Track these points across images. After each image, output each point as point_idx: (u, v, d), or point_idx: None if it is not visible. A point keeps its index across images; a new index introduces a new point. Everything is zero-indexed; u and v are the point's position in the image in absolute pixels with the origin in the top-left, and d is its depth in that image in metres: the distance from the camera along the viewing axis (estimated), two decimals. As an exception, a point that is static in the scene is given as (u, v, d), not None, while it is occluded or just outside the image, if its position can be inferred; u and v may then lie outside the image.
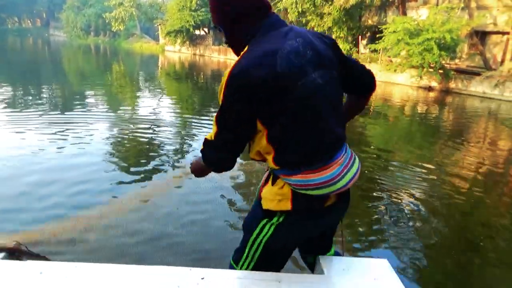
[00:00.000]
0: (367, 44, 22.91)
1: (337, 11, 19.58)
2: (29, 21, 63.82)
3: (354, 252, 3.33)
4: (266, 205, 1.31)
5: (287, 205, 1.27)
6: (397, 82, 18.41)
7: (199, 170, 1.50)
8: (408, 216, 4.22)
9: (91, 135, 6.34)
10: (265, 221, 1.33)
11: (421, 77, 16.60)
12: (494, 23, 17.89)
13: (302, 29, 1.27)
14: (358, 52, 21.88)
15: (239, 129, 1.21)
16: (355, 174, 1.32)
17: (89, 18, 45.04)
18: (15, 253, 1.59)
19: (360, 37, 22.25)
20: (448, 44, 15.34)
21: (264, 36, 1.19)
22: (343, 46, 20.46)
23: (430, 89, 17.08)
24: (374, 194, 4.79)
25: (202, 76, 19.60)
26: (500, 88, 15.43)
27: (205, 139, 1.29)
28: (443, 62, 16.10)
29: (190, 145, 6.29)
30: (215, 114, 1.25)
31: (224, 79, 1.16)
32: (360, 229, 3.83)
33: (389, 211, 4.29)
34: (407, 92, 16.67)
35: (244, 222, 1.44)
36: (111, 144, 5.91)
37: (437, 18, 15.62)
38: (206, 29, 32.65)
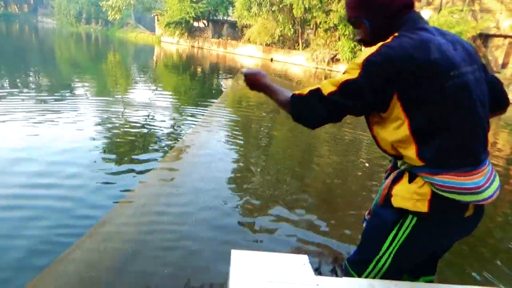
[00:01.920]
0: (368, 43, 23.19)
1: (344, 8, 19.60)
2: (15, 6, 61.73)
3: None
4: (399, 203, 1.22)
5: (423, 207, 1.18)
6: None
7: (262, 87, 1.45)
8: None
9: (82, 122, 6.04)
10: (397, 227, 1.24)
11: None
12: (497, 26, 18.26)
13: (443, 30, 1.29)
14: (361, 50, 22.00)
15: (358, 103, 1.16)
16: (497, 189, 1.24)
17: (82, 6, 43.94)
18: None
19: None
20: None
21: (411, 30, 1.18)
22: (348, 44, 20.55)
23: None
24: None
25: (201, 68, 19.33)
26: (504, 90, 15.79)
27: (318, 88, 1.21)
28: None
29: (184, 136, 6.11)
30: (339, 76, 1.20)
31: (366, 53, 1.14)
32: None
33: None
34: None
35: (366, 232, 1.37)
36: (105, 135, 5.60)
37: (446, 20, 15.86)
38: (205, 21, 32.27)
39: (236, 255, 1.45)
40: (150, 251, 2.55)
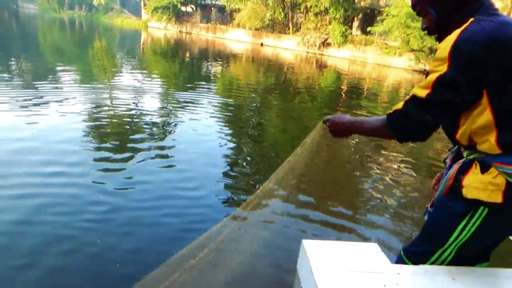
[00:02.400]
0: (358, 26, 23.02)
1: (335, -8, 19.41)
2: (-7, -9, 59.36)
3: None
4: (472, 194, 1.17)
5: (498, 197, 1.14)
6: (393, 65, 18.64)
7: (348, 126, 1.40)
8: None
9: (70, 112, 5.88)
10: (467, 218, 1.20)
11: (419, 61, 16.88)
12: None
13: None
14: (351, 34, 21.85)
15: (458, 96, 1.11)
16: None
17: (65, -10, 42.59)
18: None
19: (352, 19, 22.24)
20: None
21: (487, 14, 1.15)
22: (339, 28, 20.37)
23: (425, 72, 17.37)
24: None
25: (189, 54, 18.97)
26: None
27: (414, 95, 1.16)
28: None
29: (175, 125, 6.00)
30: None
31: (448, 44, 1.09)
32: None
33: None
34: (403, 75, 16.94)
35: (431, 223, 1.32)
36: (91, 124, 5.49)
37: None
38: (193, 6, 31.60)
39: (308, 245, 1.40)
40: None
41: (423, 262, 1.31)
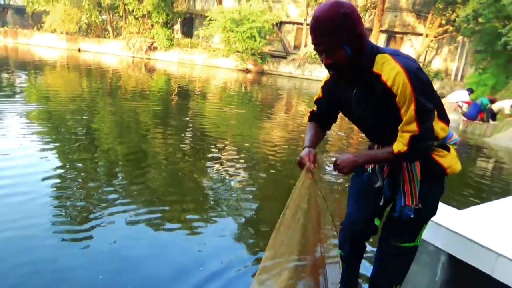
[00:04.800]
0: (178, 30, 23.41)
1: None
2: None
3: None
4: (456, 169, 1.51)
5: (459, 165, 1.53)
6: (220, 66, 19.69)
7: (362, 162, 1.53)
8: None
9: None
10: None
11: (244, 61, 18.45)
12: (287, 14, 21.37)
13: None
14: (176, 37, 22.00)
15: (433, 112, 1.40)
16: None
17: None
18: None
19: (173, 23, 22.42)
20: (265, 32, 17.77)
21: (378, 48, 1.42)
22: (164, 32, 20.20)
23: (248, 71, 19.11)
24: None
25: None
26: (301, 68, 18.87)
27: (411, 135, 1.36)
28: (262, 48, 18.48)
29: None
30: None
31: (400, 81, 1.31)
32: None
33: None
34: (230, 75, 18.16)
35: (426, 212, 1.54)
36: None
37: (253, 8, 17.81)
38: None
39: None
40: None
41: (419, 235, 1.57)
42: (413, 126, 1.34)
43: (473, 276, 1.67)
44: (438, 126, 1.42)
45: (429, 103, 1.35)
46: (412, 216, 1.49)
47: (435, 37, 17.91)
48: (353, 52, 1.34)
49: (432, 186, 1.49)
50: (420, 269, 1.81)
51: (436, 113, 1.41)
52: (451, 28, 17.00)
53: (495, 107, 9.36)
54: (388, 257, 1.61)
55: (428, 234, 1.73)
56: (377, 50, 1.39)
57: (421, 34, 18.59)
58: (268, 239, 1.43)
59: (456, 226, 1.71)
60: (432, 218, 1.62)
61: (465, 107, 10.14)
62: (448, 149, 1.49)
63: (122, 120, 7.50)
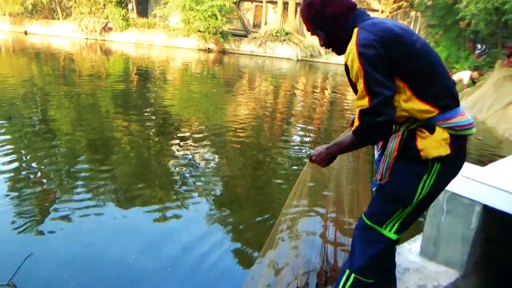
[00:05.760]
0: (132, 10, 22.35)
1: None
2: None
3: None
4: (433, 153, 1.35)
5: (447, 149, 1.35)
6: (179, 46, 19.15)
7: (334, 152, 1.54)
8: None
9: None
10: (426, 175, 1.39)
11: (206, 41, 18.05)
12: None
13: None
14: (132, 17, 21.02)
15: (387, 87, 1.32)
16: None
17: None
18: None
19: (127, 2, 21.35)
20: (226, 10, 17.41)
21: (363, 22, 1.39)
22: (119, 11, 19.22)
23: (209, 51, 18.73)
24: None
25: None
26: (263, 47, 18.78)
27: (360, 109, 1.33)
28: (223, 26, 18.13)
29: None
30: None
31: (353, 56, 1.31)
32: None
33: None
34: (191, 55, 17.73)
35: (391, 188, 1.44)
36: None
37: None
38: None
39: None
40: None
41: (386, 220, 1.46)
42: (365, 101, 1.32)
43: (504, 221, 1.89)
44: (414, 105, 1.34)
45: (382, 76, 1.29)
46: (373, 189, 1.52)
47: (390, 12, 18.39)
48: (327, 33, 1.47)
49: (400, 166, 1.41)
50: (455, 219, 1.98)
51: (410, 92, 1.34)
52: (405, 3, 17.51)
53: (455, 77, 9.78)
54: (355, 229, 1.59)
55: (460, 188, 1.91)
56: (354, 25, 1.39)
57: (377, 10, 18.99)
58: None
59: (485, 179, 1.87)
60: (464, 174, 1.70)
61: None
62: (432, 131, 1.36)
63: (79, 105, 7.19)
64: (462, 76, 9.84)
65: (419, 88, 1.34)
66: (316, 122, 7.82)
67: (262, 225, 3.51)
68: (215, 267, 2.75)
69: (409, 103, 1.35)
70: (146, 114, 6.93)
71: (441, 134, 1.35)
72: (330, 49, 1.53)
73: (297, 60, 18.17)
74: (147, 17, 21.70)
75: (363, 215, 1.54)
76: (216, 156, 5.09)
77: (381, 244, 1.47)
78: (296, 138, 6.43)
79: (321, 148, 1.56)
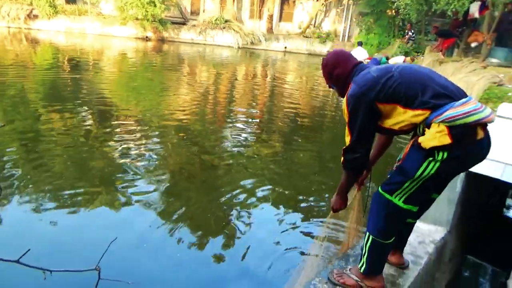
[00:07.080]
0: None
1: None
2: None
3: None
4: (429, 144, 1.57)
5: (446, 139, 1.54)
6: (115, 35, 18.28)
7: (344, 196, 2.00)
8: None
9: None
10: (427, 161, 1.60)
11: (145, 29, 17.40)
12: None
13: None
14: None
15: (368, 122, 1.71)
16: (492, 112, 1.67)
17: None
18: None
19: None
20: None
21: (357, 75, 1.78)
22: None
23: (147, 39, 18.11)
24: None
25: None
26: (203, 34, 18.55)
27: (345, 147, 1.78)
28: (162, 14, 17.56)
29: None
30: None
31: (344, 102, 1.74)
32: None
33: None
34: (127, 44, 17.01)
35: (403, 164, 1.70)
36: None
37: None
38: None
39: None
40: None
41: (397, 189, 1.70)
42: (348, 139, 1.75)
43: (484, 183, 2.32)
44: (408, 115, 1.62)
45: (361, 122, 1.68)
46: (394, 168, 1.80)
47: (325, 0, 19.08)
48: (337, 87, 1.93)
49: (411, 152, 1.69)
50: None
51: (402, 107, 1.63)
52: (339, -8, 18.28)
53: (391, 61, 10.86)
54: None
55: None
56: (353, 78, 1.79)
57: (312, -1, 19.60)
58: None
59: None
60: None
61: (366, 63, 11.45)
62: (429, 127, 1.59)
63: (5, 98, 6.68)
64: (396, 61, 11.08)
65: (410, 102, 1.61)
66: (258, 107, 8.06)
67: (212, 205, 3.66)
68: (171, 257, 2.90)
69: (405, 115, 1.64)
70: (82, 106, 6.63)
71: (436, 127, 1.56)
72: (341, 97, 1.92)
73: (238, 47, 18.21)
74: (75, 4, 20.33)
75: (379, 187, 1.81)
76: (160, 145, 5.09)
77: (391, 210, 1.73)
78: (239, 122, 6.61)
79: (332, 198, 2.03)
